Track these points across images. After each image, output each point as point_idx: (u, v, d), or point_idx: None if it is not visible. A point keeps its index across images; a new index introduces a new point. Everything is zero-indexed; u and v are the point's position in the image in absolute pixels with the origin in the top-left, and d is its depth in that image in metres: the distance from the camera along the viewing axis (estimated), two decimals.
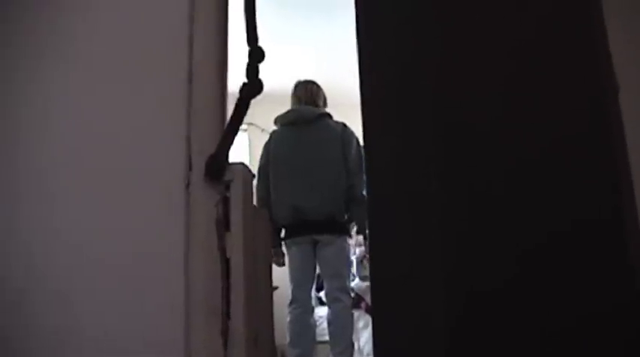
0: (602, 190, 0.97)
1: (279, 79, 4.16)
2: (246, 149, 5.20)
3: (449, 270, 0.98)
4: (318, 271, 3.06)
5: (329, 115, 3.12)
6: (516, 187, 0.99)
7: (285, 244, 3.02)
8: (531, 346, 0.93)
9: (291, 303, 2.93)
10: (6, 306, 1.08)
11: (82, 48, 1.19)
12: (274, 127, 3.23)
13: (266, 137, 3.30)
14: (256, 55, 1.06)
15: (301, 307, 2.91)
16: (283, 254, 3.05)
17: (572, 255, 0.95)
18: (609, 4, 1.12)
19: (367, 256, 3.33)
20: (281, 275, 2.81)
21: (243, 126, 5.02)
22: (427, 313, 0.98)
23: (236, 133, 1.05)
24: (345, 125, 3.02)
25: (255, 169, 2.92)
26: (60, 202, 1.11)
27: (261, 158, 3.12)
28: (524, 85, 1.03)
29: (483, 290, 0.96)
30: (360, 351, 3.54)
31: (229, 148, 1.04)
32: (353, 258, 3.93)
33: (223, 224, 1.03)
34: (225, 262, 1.02)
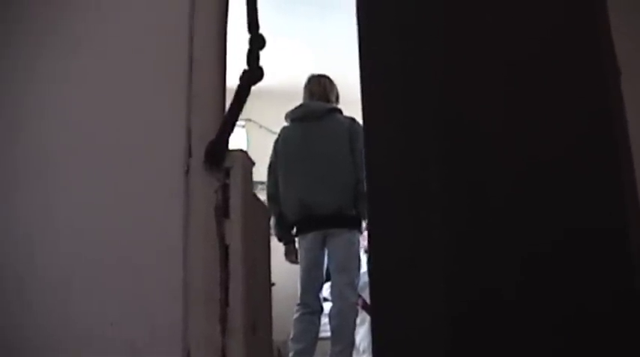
0: (606, 190, 0.96)
1: (277, 75, 4.16)
2: (244, 145, 5.20)
3: (450, 265, 0.98)
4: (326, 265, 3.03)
5: (339, 110, 3.10)
6: (518, 185, 0.99)
7: (297, 240, 3.00)
8: (531, 342, 0.92)
9: (298, 304, 2.93)
10: (6, 293, 1.08)
11: (84, 37, 1.19)
12: (272, 123, 3.22)
13: (264, 133, 3.29)
14: (257, 42, 1.06)
15: (308, 308, 2.90)
16: (296, 251, 3.03)
17: (574, 254, 0.94)
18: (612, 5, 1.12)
19: None
20: (279, 271, 2.80)
21: (241, 122, 5.03)
22: (428, 308, 0.98)
23: (236, 120, 1.05)
24: (353, 119, 2.97)
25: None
26: (60, 189, 1.11)
27: (271, 155, 3.10)
28: (528, 84, 1.03)
29: (484, 286, 0.96)
30: (356, 348, 3.54)
31: (229, 134, 1.04)
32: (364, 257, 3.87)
33: (222, 211, 1.03)
34: (224, 249, 1.02)
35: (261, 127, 4.74)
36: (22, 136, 1.15)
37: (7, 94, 1.18)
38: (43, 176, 1.12)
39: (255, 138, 4.71)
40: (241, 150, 1.06)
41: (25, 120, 1.16)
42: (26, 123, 1.16)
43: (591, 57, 1.02)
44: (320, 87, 3.11)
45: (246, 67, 1.08)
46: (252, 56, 1.05)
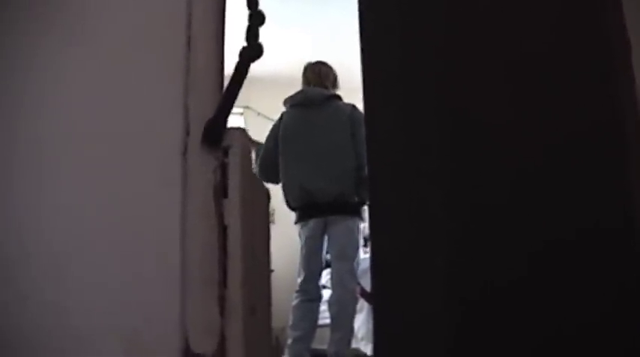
0: (612, 184, 0.95)
1: (275, 63, 4.13)
2: None
3: (451, 254, 0.97)
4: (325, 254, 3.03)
5: (338, 97, 3.09)
6: (521, 172, 0.98)
7: (298, 227, 3.00)
8: (532, 335, 0.92)
9: (297, 291, 2.93)
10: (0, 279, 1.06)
11: (80, 16, 1.17)
12: (270, 111, 3.21)
13: (262, 121, 3.27)
14: (256, 19, 1.04)
15: (307, 295, 2.91)
16: None
17: (578, 247, 0.93)
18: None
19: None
20: (278, 258, 2.79)
21: (239, 109, 5.01)
22: (428, 296, 0.97)
23: (235, 99, 1.03)
24: (354, 107, 2.98)
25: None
26: (54, 168, 1.10)
27: (268, 137, 3.07)
28: (532, 75, 1.01)
29: (485, 275, 0.95)
30: (355, 335, 3.54)
31: (228, 113, 1.02)
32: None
33: (221, 191, 1.01)
34: (223, 229, 1.00)
35: (259, 114, 4.73)
36: (16, 117, 1.13)
37: (8, 70, 1.15)
38: (35, 161, 1.10)
39: (253, 125, 4.68)
40: (240, 128, 1.05)
41: (20, 101, 1.14)
42: (22, 105, 1.14)
43: (598, 47, 1.00)
44: (314, 74, 3.13)
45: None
46: (252, 33, 1.03)
